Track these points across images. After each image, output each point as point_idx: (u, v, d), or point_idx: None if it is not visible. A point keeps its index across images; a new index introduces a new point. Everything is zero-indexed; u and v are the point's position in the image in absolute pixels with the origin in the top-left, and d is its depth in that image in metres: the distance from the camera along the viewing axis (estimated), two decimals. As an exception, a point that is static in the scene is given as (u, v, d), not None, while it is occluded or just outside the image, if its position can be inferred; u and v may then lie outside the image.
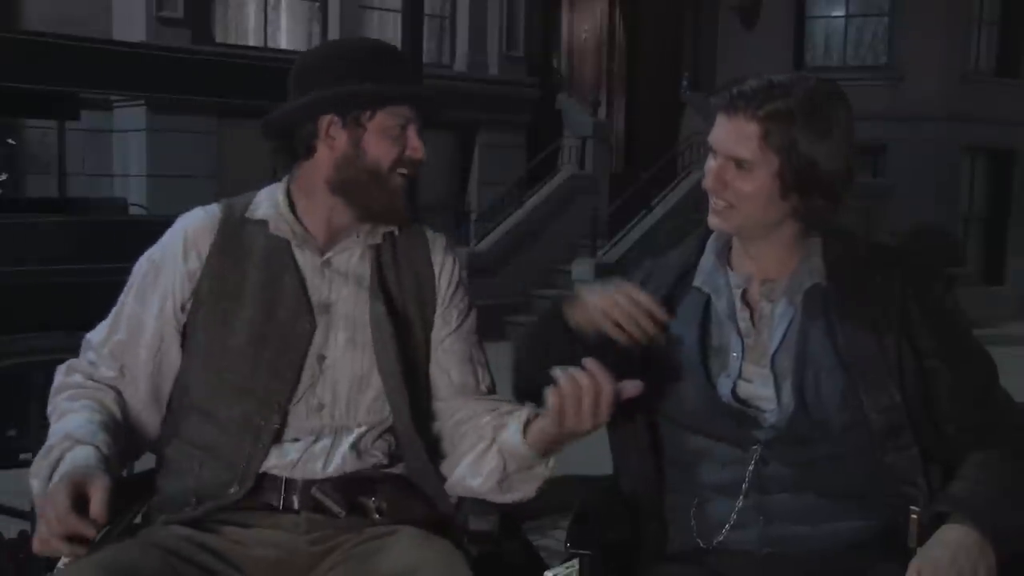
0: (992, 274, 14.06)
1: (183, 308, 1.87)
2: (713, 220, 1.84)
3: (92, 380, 1.87)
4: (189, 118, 9.95)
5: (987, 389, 1.83)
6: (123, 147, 10.31)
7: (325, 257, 1.90)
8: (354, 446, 1.86)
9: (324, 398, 1.86)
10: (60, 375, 1.89)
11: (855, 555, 1.75)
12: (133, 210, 7.35)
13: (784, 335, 1.82)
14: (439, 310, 1.95)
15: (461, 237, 11.58)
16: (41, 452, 1.71)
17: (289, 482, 1.83)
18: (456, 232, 11.97)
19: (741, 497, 1.79)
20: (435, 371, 1.94)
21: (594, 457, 2.11)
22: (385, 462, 1.90)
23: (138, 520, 1.87)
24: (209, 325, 1.86)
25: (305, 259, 1.88)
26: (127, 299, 1.90)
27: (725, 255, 1.92)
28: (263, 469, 1.82)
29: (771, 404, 1.80)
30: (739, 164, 1.77)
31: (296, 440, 1.84)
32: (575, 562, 1.69)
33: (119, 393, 1.86)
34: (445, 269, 1.97)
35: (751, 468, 1.79)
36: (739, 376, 1.83)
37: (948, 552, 1.63)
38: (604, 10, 14.03)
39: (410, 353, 1.90)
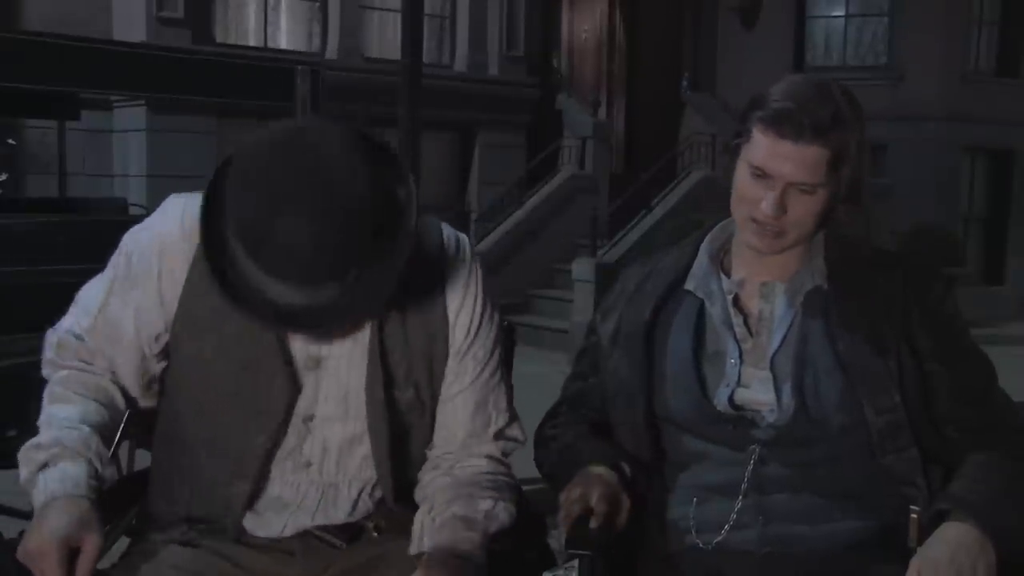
0: (992, 274, 14.05)
1: (156, 338, 1.70)
2: (760, 243, 1.79)
3: (86, 363, 1.74)
4: (189, 118, 9.95)
5: (986, 391, 1.83)
6: (123, 147, 10.31)
7: None
8: (345, 502, 1.76)
9: (312, 456, 1.73)
10: (50, 350, 1.76)
11: (854, 555, 1.75)
12: (133, 210, 7.34)
13: (784, 337, 1.82)
14: (452, 363, 1.75)
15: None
16: (31, 442, 1.64)
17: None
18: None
19: (740, 497, 1.79)
20: (440, 426, 1.79)
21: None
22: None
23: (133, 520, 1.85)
24: (183, 366, 1.70)
25: None
26: (109, 299, 1.73)
27: (719, 259, 1.91)
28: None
29: (770, 408, 1.80)
30: (802, 188, 1.74)
31: (279, 497, 1.74)
32: (575, 562, 1.69)
33: (115, 377, 1.74)
34: (463, 314, 1.74)
35: (750, 468, 1.79)
36: (738, 383, 1.83)
37: (948, 550, 1.63)
38: (604, 10, 14.02)
39: (407, 418, 1.74)
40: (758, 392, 1.81)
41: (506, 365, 1.86)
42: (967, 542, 1.64)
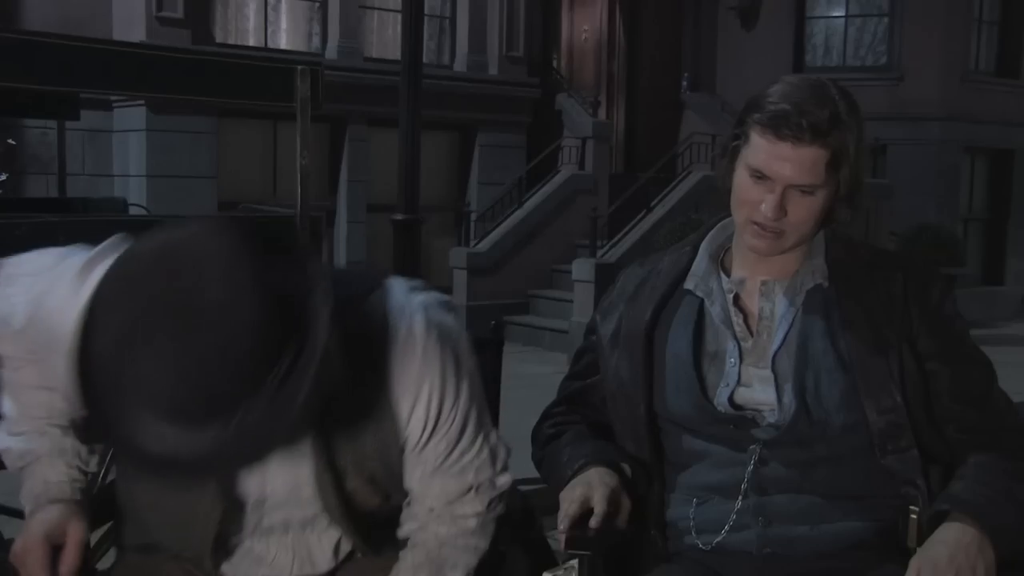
0: (992, 274, 14.05)
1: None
2: (760, 245, 1.80)
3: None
4: (189, 118, 9.95)
5: (987, 392, 1.83)
6: (123, 147, 10.30)
7: None
8: (323, 557, 1.68)
9: (273, 528, 1.64)
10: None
11: (855, 556, 1.75)
12: (133, 210, 7.35)
13: (785, 336, 1.82)
14: (411, 457, 1.62)
15: (461, 237, 11.59)
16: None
17: None
18: (456, 232, 11.99)
19: (740, 498, 1.79)
20: (412, 497, 1.67)
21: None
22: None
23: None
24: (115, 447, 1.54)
25: None
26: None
27: (719, 258, 1.91)
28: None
29: (770, 408, 1.80)
30: (802, 190, 1.74)
31: (252, 552, 1.66)
32: (575, 562, 1.69)
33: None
34: (419, 409, 1.57)
35: (750, 469, 1.79)
36: (738, 383, 1.82)
37: (947, 550, 1.63)
38: (604, 10, 14.02)
39: (366, 501, 1.62)
40: (758, 392, 1.81)
41: (493, 379, 1.77)
42: (966, 542, 1.64)
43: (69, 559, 1.58)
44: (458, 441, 1.62)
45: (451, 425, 1.60)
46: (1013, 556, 1.70)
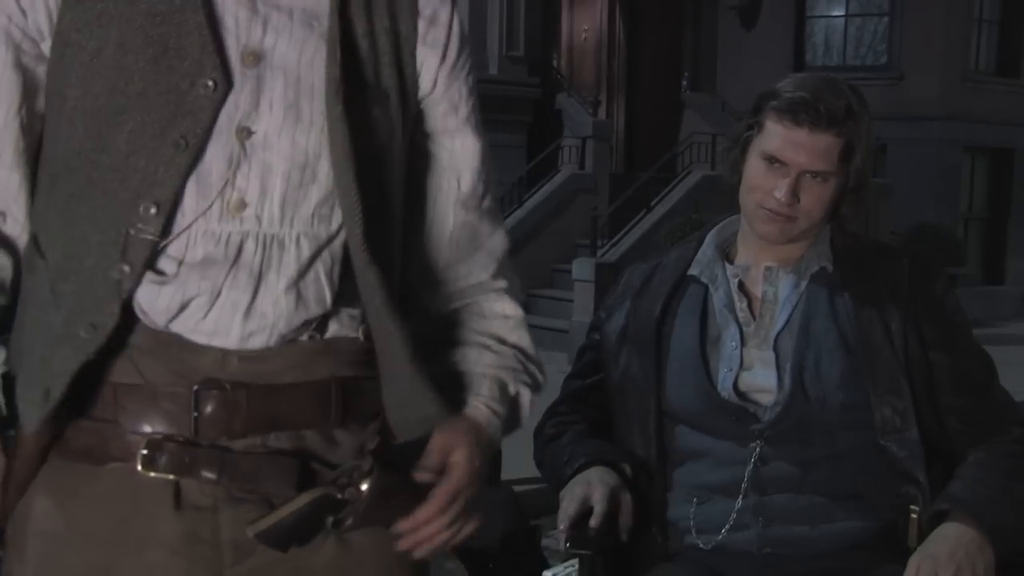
0: (992, 274, 14.05)
1: (40, 37, 1.21)
2: (770, 230, 1.82)
3: None
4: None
5: (987, 385, 1.85)
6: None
7: None
8: (289, 265, 1.22)
9: (249, 194, 1.20)
10: None
11: (855, 555, 1.76)
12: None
13: (789, 317, 1.83)
14: (440, 90, 1.33)
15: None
16: None
17: (182, 352, 1.20)
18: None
19: (740, 497, 1.79)
20: (428, 175, 1.35)
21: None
22: (334, 322, 1.26)
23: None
24: (69, 74, 1.21)
25: None
26: None
27: (724, 249, 1.92)
28: (135, 308, 1.19)
29: (771, 393, 1.80)
30: (815, 176, 1.78)
31: (203, 259, 1.20)
32: (575, 562, 1.69)
33: None
34: (441, 18, 1.32)
35: (750, 468, 1.79)
36: (740, 367, 1.83)
37: (947, 548, 1.64)
38: (604, 10, 14.03)
39: (375, 140, 1.27)
40: (760, 375, 1.81)
41: None
42: (966, 541, 1.65)
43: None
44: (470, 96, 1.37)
45: (467, 75, 1.36)
46: (1013, 556, 1.70)
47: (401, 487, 1.22)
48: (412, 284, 1.34)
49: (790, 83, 1.81)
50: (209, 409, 1.19)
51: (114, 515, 1.20)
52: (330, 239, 1.24)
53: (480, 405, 1.30)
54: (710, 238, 1.94)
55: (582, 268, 9.93)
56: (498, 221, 1.39)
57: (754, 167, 1.81)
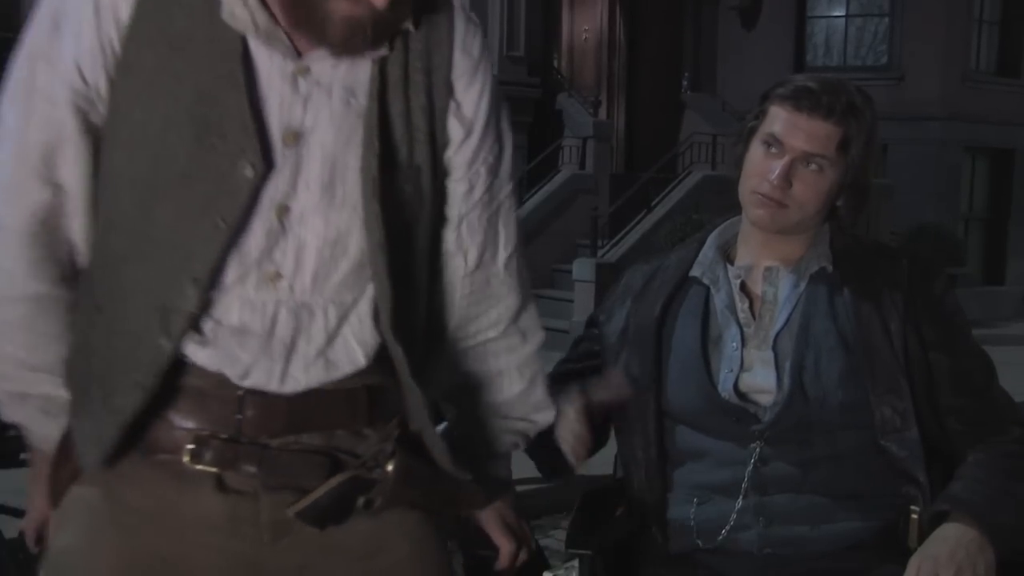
0: (992, 274, 14.06)
1: (98, 95, 1.28)
2: (762, 215, 1.83)
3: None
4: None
5: (986, 386, 1.85)
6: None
7: (302, 62, 1.28)
8: (319, 332, 1.32)
9: (283, 266, 1.29)
10: None
11: (855, 556, 1.76)
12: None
13: (788, 317, 1.83)
14: (457, 157, 1.38)
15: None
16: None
17: (224, 400, 1.30)
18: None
19: (740, 498, 1.80)
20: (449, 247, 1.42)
21: (594, 457, 2.11)
22: (362, 372, 1.36)
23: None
24: (118, 142, 1.28)
25: (270, 64, 1.27)
26: (34, 73, 1.28)
27: (725, 250, 1.93)
28: (185, 359, 1.29)
29: (771, 393, 1.80)
30: (810, 162, 1.79)
31: (239, 325, 1.29)
32: (575, 562, 1.69)
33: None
34: (468, 99, 1.36)
35: (750, 468, 1.79)
36: (741, 367, 1.83)
37: (947, 548, 1.64)
38: (604, 10, 14.03)
39: (406, 213, 1.34)
40: (760, 376, 1.82)
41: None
42: (966, 541, 1.65)
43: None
44: (499, 162, 1.41)
45: (492, 143, 1.40)
46: (1013, 556, 1.70)
47: (423, 468, 1.36)
48: (428, 336, 1.44)
49: (801, 76, 1.86)
50: (251, 413, 1.30)
51: (160, 497, 1.31)
52: (355, 302, 1.34)
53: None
54: (711, 240, 1.94)
55: (582, 268, 9.93)
56: (513, 281, 1.48)
57: (753, 153, 1.84)
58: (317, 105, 1.29)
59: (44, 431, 1.38)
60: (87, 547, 1.32)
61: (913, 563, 1.65)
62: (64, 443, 1.35)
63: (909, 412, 1.77)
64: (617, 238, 10.76)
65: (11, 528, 2.79)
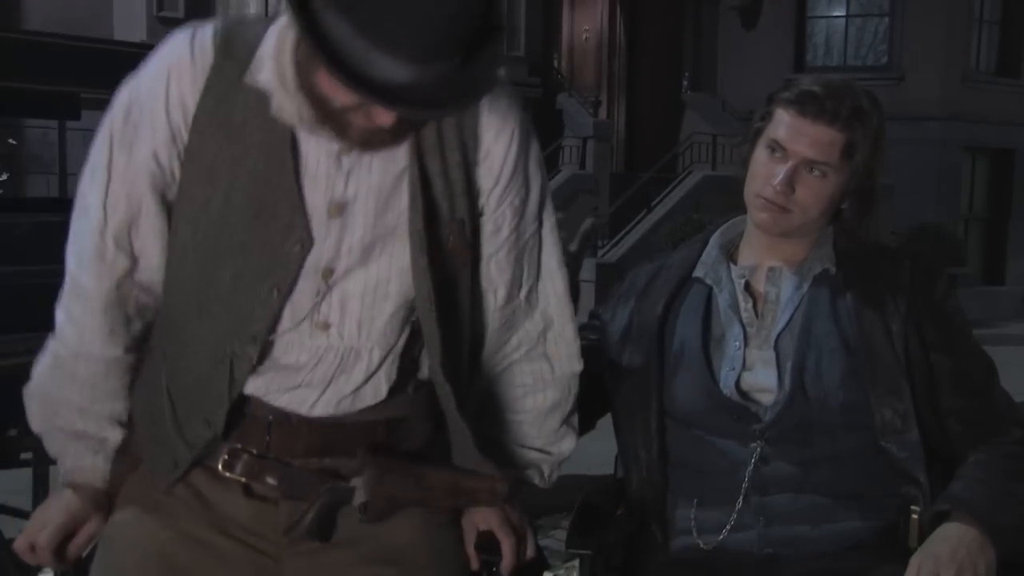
0: (992, 274, 14.07)
1: (173, 179, 1.48)
2: (765, 218, 1.83)
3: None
4: (189, 118, 9.94)
5: (987, 387, 1.84)
6: (123, 147, 10.30)
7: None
8: (359, 383, 1.52)
9: (330, 316, 1.49)
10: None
11: (855, 556, 1.76)
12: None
13: (791, 318, 1.83)
14: (488, 211, 1.53)
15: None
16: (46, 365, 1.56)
17: (257, 421, 1.52)
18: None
19: (741, 498, 1.79)
20: (484, 285, 1.58)
21: (594, 457, 2.11)
22: (402, 407, 1.56)
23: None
24: (183, 219, 1.48)
25: (316, 147, 1.43)
26: (113, 161, 1.50)
27: (729, 250, 1.93)
28: (247, 394, 1.51)
29: (771, 393, 1.80)
30: (813, 168, 1.79)
31: (287, 367, 1.50)
32: (575, 562, 1.69)
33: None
34: (496, 150, 1.52)
35: (751, 468, 1.79)
36: (743, 367, 1.83)
37: (948, 547, 1.64)
38: (605, 10, 14.03)
39: (451, 263, 1.51)
40: (761, 375, 1.82)
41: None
42: (967, 540, 1.65)
43: (75, 551, 1.56)
44: (527, 199, 1.57)
45: (520, 187, 1.56)
46: (1014, 556, 1.70)
47: (399, 465, 1.52)
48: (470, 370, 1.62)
49: (808, 78, 1.84)
50: (278, 435, 1.52)
51: (199, 493, 1.53)
52: (397, 341, 1.53)
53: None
54: (714, 239, 1.94)
55: (582, 268, 9.93)
56: (533, 310, 1.63)
57: (758, 156, 1.84)
58: (359, 177, 1.45)
59: (88, 465, 1.57)
60: (135, 521, 1.53)
61: (914, 562, 1.65)
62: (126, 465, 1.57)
63: (910, 414, 1.77)
64: (617, 238, 10.78)
65: (11, 528, 2.79)
